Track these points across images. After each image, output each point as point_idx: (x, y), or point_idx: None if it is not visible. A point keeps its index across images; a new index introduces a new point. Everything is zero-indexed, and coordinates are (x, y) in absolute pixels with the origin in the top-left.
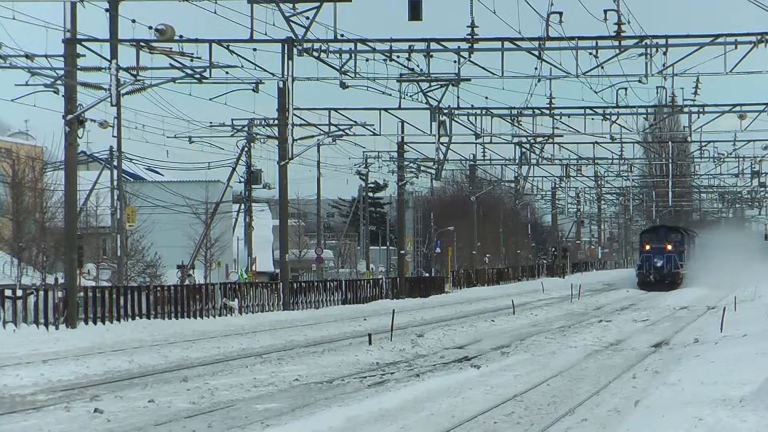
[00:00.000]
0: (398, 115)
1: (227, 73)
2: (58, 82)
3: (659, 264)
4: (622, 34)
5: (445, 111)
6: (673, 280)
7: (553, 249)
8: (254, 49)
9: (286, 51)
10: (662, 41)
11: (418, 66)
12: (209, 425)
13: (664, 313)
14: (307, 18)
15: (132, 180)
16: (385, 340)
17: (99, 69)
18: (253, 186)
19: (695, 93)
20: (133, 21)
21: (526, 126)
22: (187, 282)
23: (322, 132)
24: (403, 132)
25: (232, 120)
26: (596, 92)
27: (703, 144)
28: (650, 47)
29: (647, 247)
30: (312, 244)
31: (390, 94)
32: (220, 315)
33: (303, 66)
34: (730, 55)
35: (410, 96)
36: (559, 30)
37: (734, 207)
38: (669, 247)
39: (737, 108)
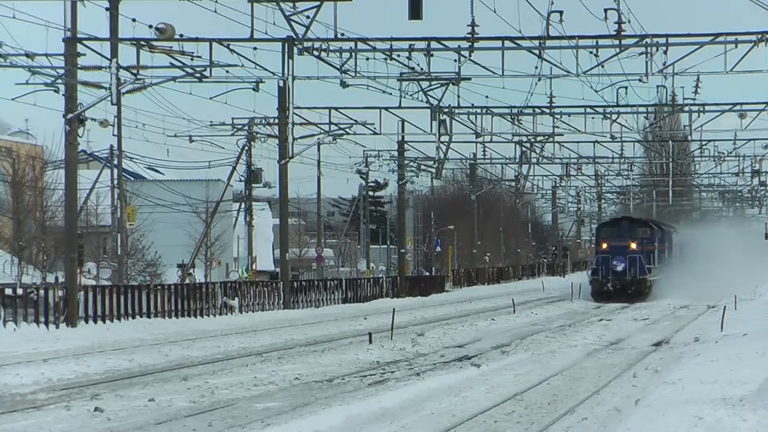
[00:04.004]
0: (398, 114)
1: (227, 72)
2: (59, 81)
3: (620, 268)
4: (623, 33)
5: (446, 110)
6: (639, 290)
7: (554, 248)
8: (255, 48)
9: (286, 50)
10: (662, 40)
11: (418, 65)
12: (209, 424)
13: (665, 312)
14: (308, 17)
15: (132, 179)
16: (385, 339)
17: (99, 68)
18: (253, 185)
19: (695, 92)
20: (134, 20)
21: (527, 125)
22: (187, 281)
23: (322, 131)
24: (403, 131)
25: (233, 119)
26: (596, 91)
27: (704, 143)
28: (650, 46)
29: (604, 246)
30: (312, 243)
31: (390, 93)
32: (220, 314)
33: (303, 65)
34: (730, 54)
35: (411, 95)
36: (560, 29)
37: (734, 206)
38: (633, 245)
39: (737, 107)
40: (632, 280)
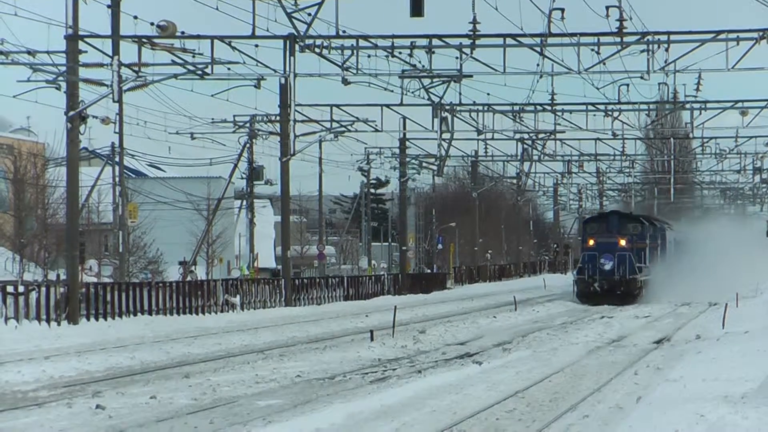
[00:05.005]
0: (400, 111)
1: (229, 69)
2: (60, 78)
3: (608, 267)
4: (624, 31)
5: (447, 107)
6: (629, 290)
7: (555, 245)
8: (256, 45)
9: (287, 47)
10: (664, 37)
11: (420, 62)
12: (211, 421)
13: (666, 309)
14: (309, 14)
15: (134, 176)
16: (386, 337)
17: (101, 65)
18: (255, 182)
19: (697, 89)
20: (135, 17)
21: (528, 122)
22: (188, 278)
23: (323, 128)
24: (404, 128)
25: (234, 116)
26: (598, 88)
27: (705, 140)
28: (652, 43)
29: (591, 243)
30: (314, 241)
31: (392, 91)
32: (221, 311)
33: (305, 62)
34: (731, 51)
35: (412, 92)
36: (561, 26)
37: (736, 203)
38: (623, 242)
39: (739, 104)
40: (621, 280)
